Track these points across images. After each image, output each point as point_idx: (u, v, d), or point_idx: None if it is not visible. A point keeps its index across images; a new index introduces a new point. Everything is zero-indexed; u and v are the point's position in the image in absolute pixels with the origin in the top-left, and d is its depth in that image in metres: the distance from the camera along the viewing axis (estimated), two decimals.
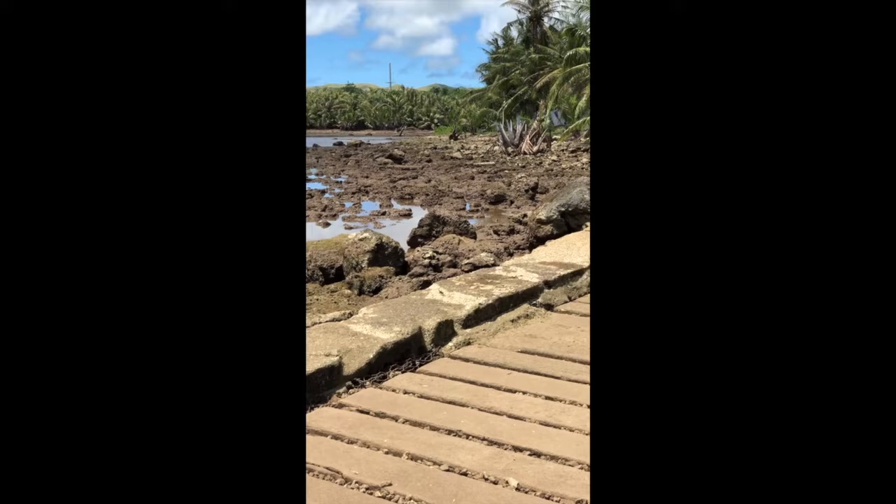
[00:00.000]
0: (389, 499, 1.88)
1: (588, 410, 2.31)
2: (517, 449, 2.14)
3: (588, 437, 1.77)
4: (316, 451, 2.13)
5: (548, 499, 1.87)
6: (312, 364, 2.61)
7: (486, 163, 22.68)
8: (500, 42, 48.60)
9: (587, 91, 26.58)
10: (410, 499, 1.88)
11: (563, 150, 25.35)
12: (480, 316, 3.48)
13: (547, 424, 2.32)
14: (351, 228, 9.79)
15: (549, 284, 4.03)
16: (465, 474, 2.00)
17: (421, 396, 2.59)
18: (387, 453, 2.13)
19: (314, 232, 9.89)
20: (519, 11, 46.40)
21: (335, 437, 2.25)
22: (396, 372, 2.86)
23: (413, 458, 2.10)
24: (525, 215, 9.25)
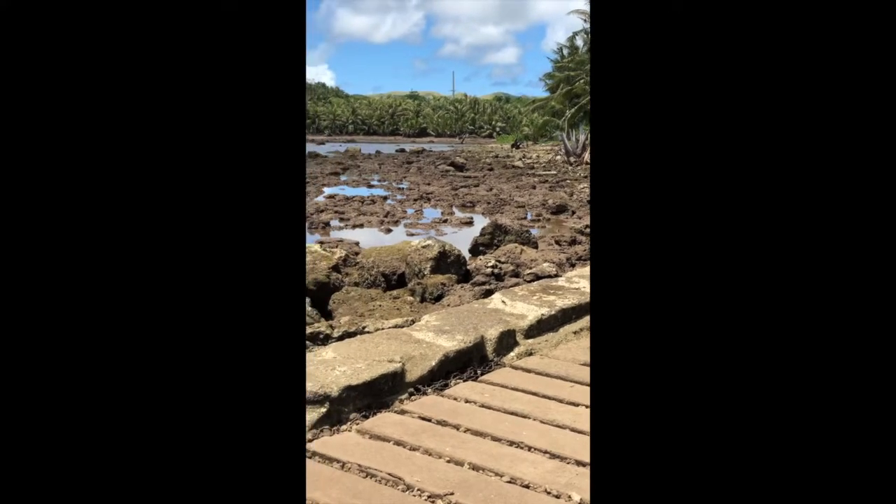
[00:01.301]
0: None
1: None
2: (580, 463, 2.12)
3: None
4: (378, 457, 2.15)
5: None
6: (375, 370, 2.64)
7: (547, 172, 22.53)
8: (565, 51, 48.23)
9: None
10: None
11: None
12: (543, 326, 3.45)
13: None
14: (413, 235, 9.87)
15: None
16: (527, 487, 1.98)
17: (483, 406, 2.59)
18: (448, 462, 2.14)
19: (376, 238, 10.00)
20: (585, 21, 45.99)
21: (397, 443, 2.26)
22: (458, 380, 2.87)
23: (475, 468, 2.10)
24: (587, 226, 9.15)
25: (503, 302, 3.68)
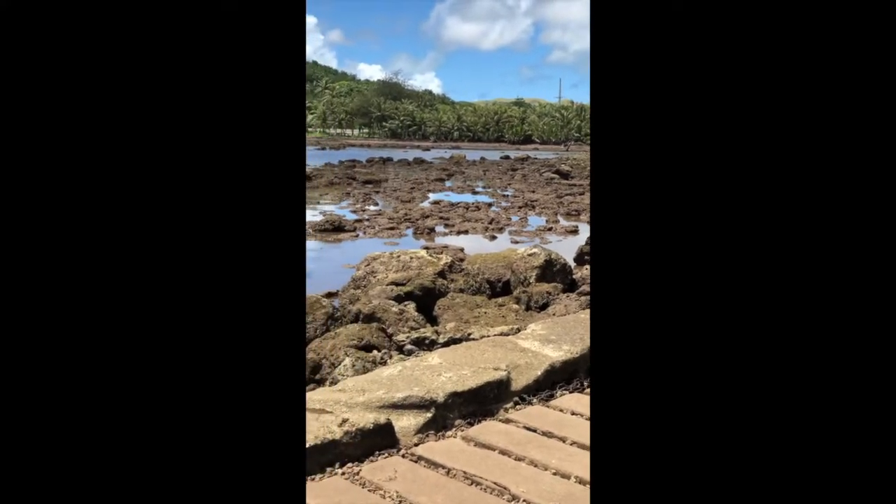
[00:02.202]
0: None
1: None
2: None
3: None
4: (483, 465, 2.15)
5: None
6: (481, 377, 2.64)
7: None
8: None
9: None
10: None
11: None
12: None
13: None
14: (517, 243, 9.83)
15: None
16: None
17: (589, 419, 2.53)
18: (554, 474, 2.10)
19: (481, 244, 10.03)
20: None
21: (503, 453, 2.25)
22: (564, 391, 2.82)
23: (581, 482, 2.05)
24: None
25: None
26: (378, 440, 2.29)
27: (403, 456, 2.25)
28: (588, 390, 2.83)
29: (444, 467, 2.15)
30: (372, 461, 2.21)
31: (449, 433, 2.43)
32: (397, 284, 5.63)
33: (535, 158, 39.19)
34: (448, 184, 22.97)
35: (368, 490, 2.03)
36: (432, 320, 5.10)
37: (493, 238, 10.91)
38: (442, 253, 7.13)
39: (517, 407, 2.65)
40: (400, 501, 1.95)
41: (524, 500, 1.94)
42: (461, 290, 5.63)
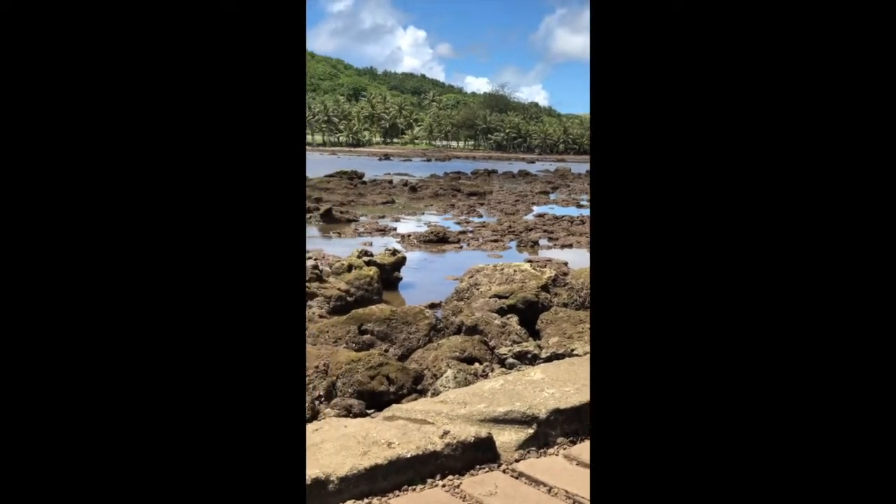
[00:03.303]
0: None
1: None
2: None
3: None
4: (586, 485, 2.10)
5: None
6: (584, 395, 2.59)
7: None
8: None
9: None
10: None
11: None
12: None
13: None
14: None
15: None
16: None
17: None
18: None
19: (585, 259, 9.85)
20: None
21: None
22: None
23: None
24: None
25: None
26: (479, 454, 2.29)
27: (504, 471, 2.24)
28: None
29: (545, 485, 2.12)
30: (472, 475, 2.21)
31: (551, 450, 2.39)
32: (500, 297, 5.62)
33: None
34: (552, 196, 22.78)
35: None
36: (535, 334, 5.06)
37: None
38: (545, 266, 7.06)
39: None
40: None
41: None
42: (564, 305, 5.55)
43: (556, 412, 2.47)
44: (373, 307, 5.23)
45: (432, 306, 6.20)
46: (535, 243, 11.29)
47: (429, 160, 59.55)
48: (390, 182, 25.16)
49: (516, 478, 2.17)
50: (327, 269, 7.21)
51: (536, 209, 17.85)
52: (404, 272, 7.71)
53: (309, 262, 6.64)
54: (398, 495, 2.08)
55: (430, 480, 2.16)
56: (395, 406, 2.95)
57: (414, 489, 2.11)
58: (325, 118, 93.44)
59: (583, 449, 2.39)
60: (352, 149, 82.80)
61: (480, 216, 15.95)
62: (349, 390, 3.79)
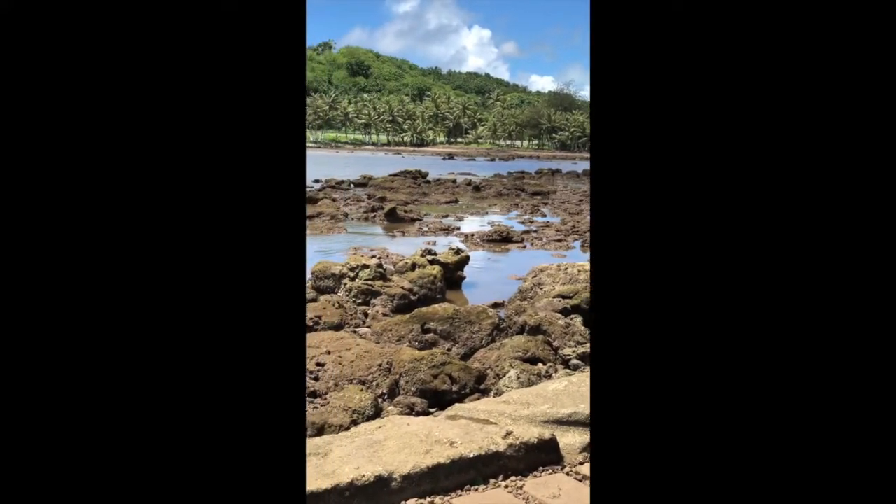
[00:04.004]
0: None
1: None
2: None
3: None
4: None
5: None
6: None
7: None
8: None
9: None
10: None
11: None
12: None
13: None
14: None
15: None
16: None
17: None
18: None
19: None
20: None
21: None
22: None
23: None
24: None
25: None
26: (542, 455, 2.26)
27: (568, 474, 2.21)
28: None
29: None
30: (536, 476, 2.18)
31: None
32: (564, 297, 5.55)
33: None
34: None
35: None
36: None
37: None
38: None
39: None
40: None
41: None
42: None
43: None
44: (436, 306, 5.24)
45: (495, 306, 6.18)
46: None
47: (493, 159, 59.44)
48: (454, 181, 25.21)
49: (580, 481, 2.14)
50: (391, 267, 7.28)
51: None
52: (468, 271, 7.71)
53: (373, 261, 6.71)
54: (460, 495, 2.08)
55: (492, 481, 2.15)
56: (457, 405, 2.95)
57: (476, 489, 2.10)
58: (390, 118, 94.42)
59: None
60: (416, 148, 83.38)
61: (544, 215, 15.82)
62: (412, 389, 3.80)
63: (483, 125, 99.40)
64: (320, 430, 3.17)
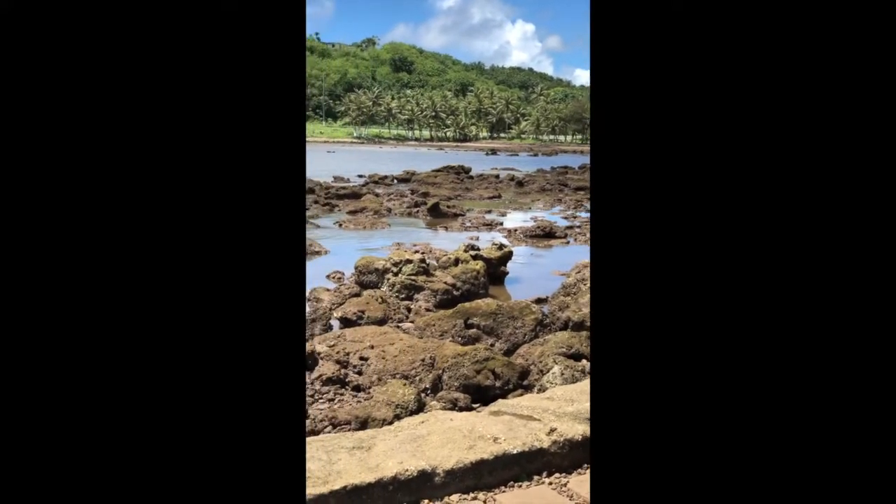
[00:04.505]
0: None
1: None
2: None
3: None
4: None
5: None
6: None
7: None
8: None
9: None
10: None
11: None
12: None
13: None
14: None
15: None
16: None
17: None
18: None
19: None
20: None
21: None
22: None
23: None
24: None
25: None
26: (587, 453, 2.23)
27: None
28: None
29: None
30: (580, 474, 2.16)
31: None
32: None
33: None
34: None
35: (576, 503, 1.98)
36: None
37: None
38: None
39: None
40: None
41: None
42: None
43: None
44: (479, 301, 5.23)
45: (539, 301, 6.14)
46: None
47: (536, 155, 59.10)
48: (497, 177, 25.15)
49: None
50: (434, 262, 7.29)
51: None
52: (510, 267, 7.67)
53: (416, 256, 6.73)
54: (504, 491, 2.07)
55: (536, 477, 2.13)
56: (500, 401, 2.94)
57: (520, 486, 2.09)
58: (433, 113, 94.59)
59: None
60: (458, 143, 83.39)
61: (588, 211, 15.66)
62: (455, 384, 3.80)
63: (526, 120, 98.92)
64: (364, 424, 3.20)
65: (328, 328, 5.05)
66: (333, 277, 7.15)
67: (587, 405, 2.46)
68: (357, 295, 5.83)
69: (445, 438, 2.23)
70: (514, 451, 2.14)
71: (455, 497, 2.04)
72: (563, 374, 3.83)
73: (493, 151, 62.64)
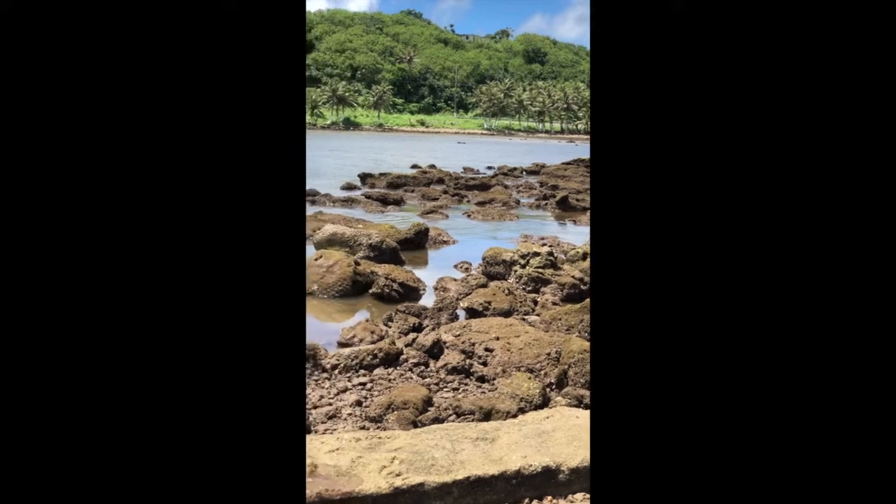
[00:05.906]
0: None
1: None
2: None
3: None
4: None
5: None
6: None
7: None
8: None
9: None
10: None
11: None
12: None
13: None
14: None
15: None
16: None
17: None
18: None
19: None
20: None
21: None
22: None
23: None
24: None
25: None
26: None
27: None
28: None
29: None
30: None
31: None
32: None
33: None
34: None
35: None
36: None
37: None
38: None
39: None
40: None
41: None
42: None
43: None
44: None
45: None
46: None
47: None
48: None
49: None
50: (562, 256, 7.18)
51: None
52: None
53: (544, 249, 6.65)
54: None
55: None
56: None
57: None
58: (565, 105, 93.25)
59: None
60: (590, 136, 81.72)
61: None
62: (581, 380, 3.72)
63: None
64: (487, 416, 3.20)
65: (454, 318, 5.10)
66: (461, 267, 7.21)
67: None
68: (484, 286, 5.84)
69: (571, 436, 2.18)
70: None
71: (580, 496, 1.99)
72: None
73: None
